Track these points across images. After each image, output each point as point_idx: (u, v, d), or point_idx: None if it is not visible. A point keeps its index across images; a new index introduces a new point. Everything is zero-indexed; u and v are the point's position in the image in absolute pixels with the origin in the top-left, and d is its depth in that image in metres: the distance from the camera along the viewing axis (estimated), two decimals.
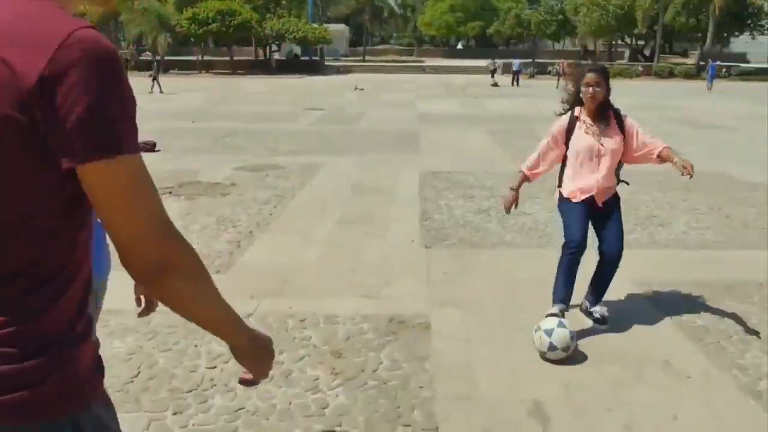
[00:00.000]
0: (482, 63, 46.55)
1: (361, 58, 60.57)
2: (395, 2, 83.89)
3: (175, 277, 1.06)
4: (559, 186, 4.05)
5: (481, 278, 4.90)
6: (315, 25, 49.10)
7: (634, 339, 3.85)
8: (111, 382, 3.31)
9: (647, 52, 56.23)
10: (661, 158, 3.84)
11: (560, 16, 56.31)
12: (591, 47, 62.23)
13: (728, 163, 10.42)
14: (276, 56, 51.48)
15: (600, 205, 3.90)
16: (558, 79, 32.52)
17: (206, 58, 49.80)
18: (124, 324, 3.99)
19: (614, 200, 3.99)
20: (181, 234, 1.08)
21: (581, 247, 3.79)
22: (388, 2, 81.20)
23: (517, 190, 4.02)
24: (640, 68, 46.31)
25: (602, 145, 3.85)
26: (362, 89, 28.70)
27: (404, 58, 66.36)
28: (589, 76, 3.82)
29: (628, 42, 58.65)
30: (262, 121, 16.13)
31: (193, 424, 2.98)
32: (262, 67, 47.17)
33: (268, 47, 50.45)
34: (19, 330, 0.99)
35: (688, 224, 6.57)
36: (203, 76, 42.28)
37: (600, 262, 3.98)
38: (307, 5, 54.76)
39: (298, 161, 10.12)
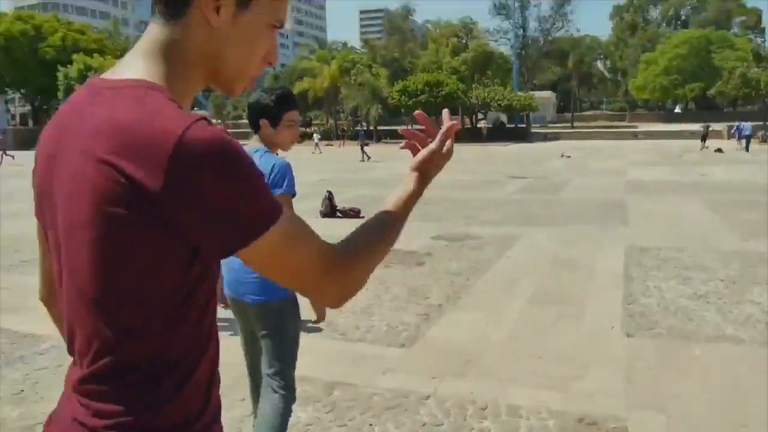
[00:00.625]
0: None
1: (569, 124, 59.32)
2: (605, 67, 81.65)
3: (357, 283, 1.12)
4: None
5: (694, 378, 4.26)
6: (520, 93, 49.27)
7: None
8: None
9: None
10: None
11: None
12: None
13: None
14: (483, 124, 52.41)
15: None
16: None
17: (416, 126, 52.04)
18: (307, 392, 4.04)
19: None
20: (340, 251, 1.09)
21: None
22: (597, 67, 79.21)
23: None
24: None
25: None
26: (569, 156, 27.94)
27: (615, 123, 63.65)
28: None
29: None
30: (465, 189, 16.24)
31: None
32: (469, 135, 48.19)
33: (474, 115, 51.53)
34: (144, 419, 0.98)
35: None
36: None
37: None
38: (512, 74, 55.29)
39: (496, 232, 9.92)
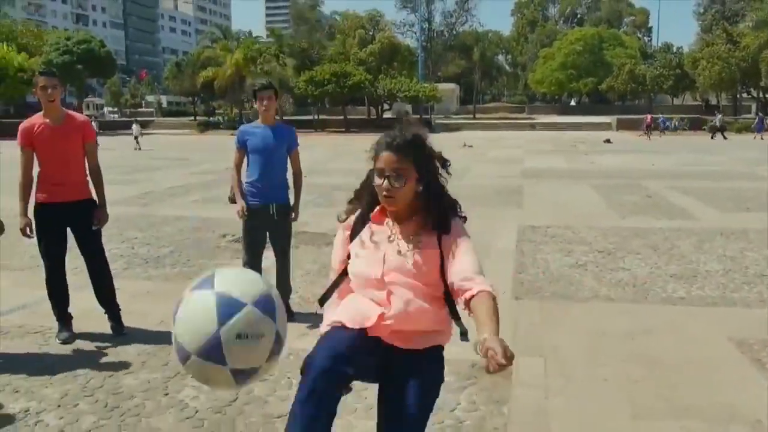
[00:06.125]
0: (595, 119, 45.66)
1: (471, 115, 61.24)
2: (506, 61, 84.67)
3: None
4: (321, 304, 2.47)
5: (569, 330, 4.91)
6: (425, 84, 50.46)
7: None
8: (212, 405, 3.64)
9: None
10: (471, 310, 2.09)
11: (678, 71, 54.51)
12: (713, 101, 59.61)
13: None
14: (388, 115, 53.33)
15: (392, 344, 2.22)
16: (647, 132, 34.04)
17: (322, 117, 52.36)
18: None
19: (427, 358, 2.27)
20: None
21: (326, 374, 2.02)
22: (499, 61, 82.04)
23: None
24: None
25: (406, 259, 2.23)
26: (470, 146, 29.03)
27: (515, 115, 66.23)
28: (386, 157, 2.14)
29: (755, 95, 55.66)
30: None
31: None
32: (374, 126, 48.88)
33: (380, 106, 52.28)
34: None
35: None
36: (319, 135, 44.38)
37: None
38: (417, 65, 56.49)
39: None
